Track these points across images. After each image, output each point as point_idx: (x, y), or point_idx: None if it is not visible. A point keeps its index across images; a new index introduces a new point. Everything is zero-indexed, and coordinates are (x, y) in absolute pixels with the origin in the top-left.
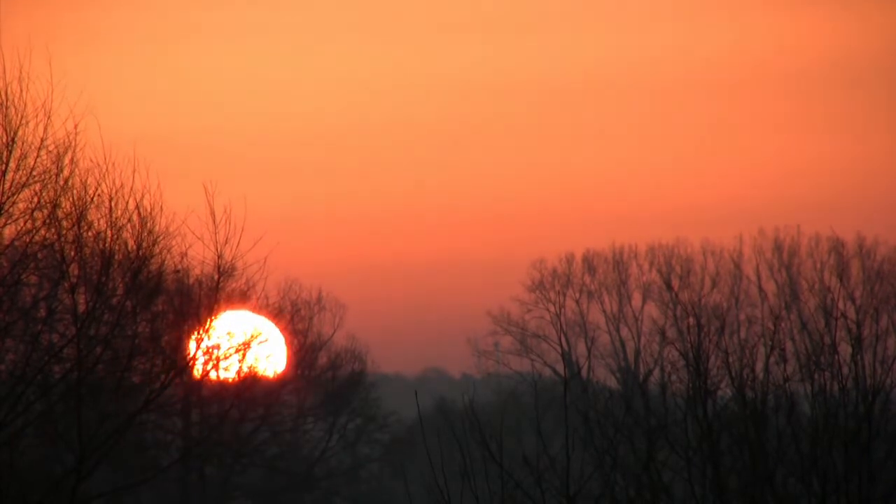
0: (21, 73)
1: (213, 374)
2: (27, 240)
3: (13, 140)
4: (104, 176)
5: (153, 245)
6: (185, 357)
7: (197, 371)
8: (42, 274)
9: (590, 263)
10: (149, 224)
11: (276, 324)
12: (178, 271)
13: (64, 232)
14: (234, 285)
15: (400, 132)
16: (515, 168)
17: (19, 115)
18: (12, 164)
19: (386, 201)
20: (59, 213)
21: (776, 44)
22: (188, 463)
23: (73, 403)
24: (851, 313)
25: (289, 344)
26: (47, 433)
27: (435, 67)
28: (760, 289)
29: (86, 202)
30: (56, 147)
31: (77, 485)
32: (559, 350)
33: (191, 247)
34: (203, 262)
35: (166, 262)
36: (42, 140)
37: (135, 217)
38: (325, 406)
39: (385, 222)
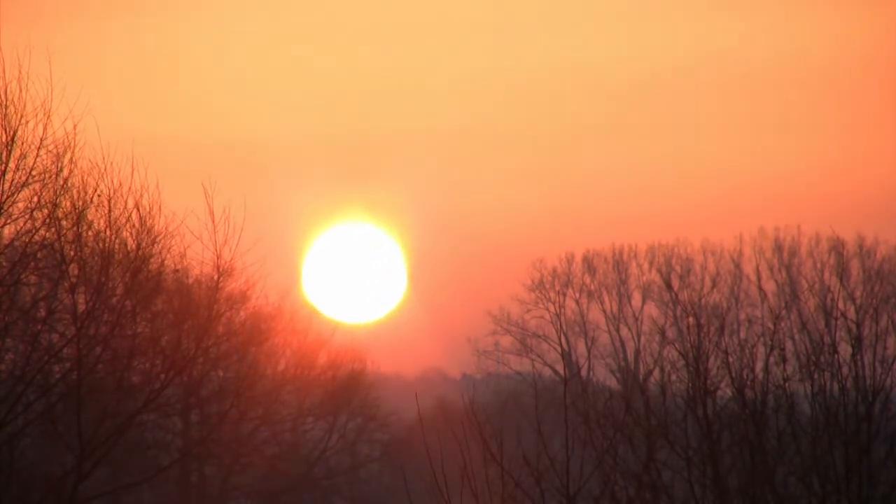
0: (21, 73)
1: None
2: (27, 240)
3: (13, 140)
4: (103, 176)
5: (152, 245)
6: (184, 357)
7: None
8: (42, 274)
9: (590, 263)
10: (148, 224)
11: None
12: (177, 271)
13: (63, 232)
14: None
15: (399, 133)
16: (515, 168)
17: (19, 115)
18: (12, 164)
19: (387, 202)
20: (59, 213)
21: (775, 44)
22: (188, 463)
23: (73, 403)
24: (851, 313)
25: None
26: (47, 433)
27: (432, 69)
28: (760, 289)
29: (85, 202)
30: (55, 147)
31: (77, 485)
32: (559, 350)
33: (190, 247)
34: (202, 262)
35: (165, 261)
36: (41, 140)
37: (134, 217)
38: (324, 406)
39: (386, 222)
